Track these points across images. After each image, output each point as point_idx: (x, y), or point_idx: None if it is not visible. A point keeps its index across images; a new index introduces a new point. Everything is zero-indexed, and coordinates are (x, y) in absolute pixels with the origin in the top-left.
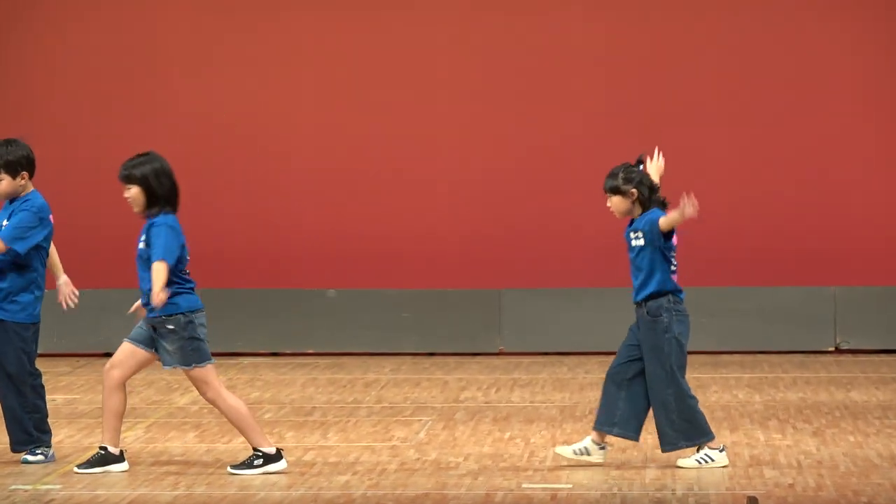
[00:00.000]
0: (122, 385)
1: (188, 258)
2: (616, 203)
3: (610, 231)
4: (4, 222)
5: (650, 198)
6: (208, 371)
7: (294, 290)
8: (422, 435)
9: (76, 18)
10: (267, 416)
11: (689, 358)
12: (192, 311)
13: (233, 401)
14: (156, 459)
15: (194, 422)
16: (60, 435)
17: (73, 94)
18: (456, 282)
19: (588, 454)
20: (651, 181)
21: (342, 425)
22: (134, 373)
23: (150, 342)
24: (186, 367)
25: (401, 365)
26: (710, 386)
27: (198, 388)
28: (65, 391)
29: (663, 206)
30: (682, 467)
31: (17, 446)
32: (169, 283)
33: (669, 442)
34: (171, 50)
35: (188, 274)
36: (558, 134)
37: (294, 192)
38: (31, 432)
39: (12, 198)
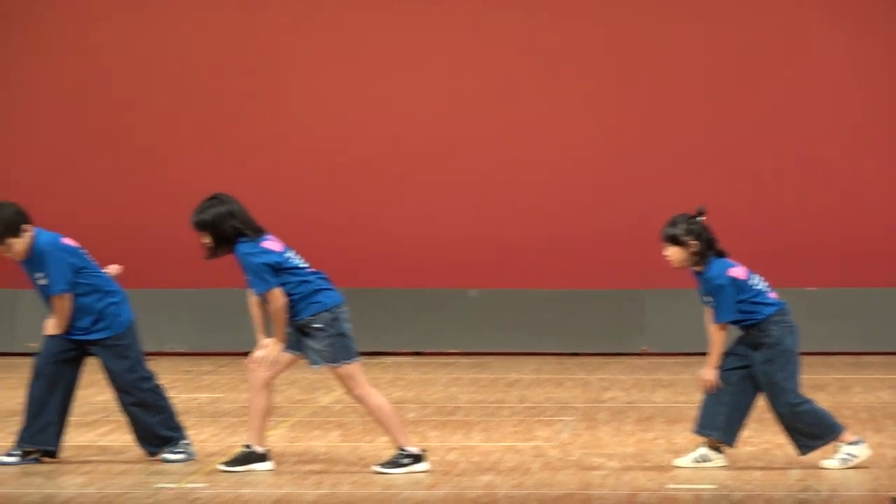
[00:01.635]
0: (268, 384)
1: (295, 260)
2: (673, 253)
3: (753, 232)
4: (39, 275)
5: (707, 252)
6: (355, 368)
7: (437, 289)
8: (564, 435)
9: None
10: (410, 415)
11: (832, 359)
12: (336, 307)
13: (378, 399)
14: (300, 458)
15: (338, 421)
16: (205, 434)
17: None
18: (599, 282)
19: (708, 460)
20: (710, 234)
21: (485, 425)
22: (279, 373)
23: (295, 344)
24: (334, 365)
25: (543, 365)
26: (853, 387)
27: (344, 386)
28: (208, 390)
29: (721, 255)
30: (825, 468)
31: (153, 450)
32: (303, 287)
33: (803, 445)
34: (277, 59)
35: (310, 268)
36: (688, 138)
37: (437, 192)
38: (162, 434)
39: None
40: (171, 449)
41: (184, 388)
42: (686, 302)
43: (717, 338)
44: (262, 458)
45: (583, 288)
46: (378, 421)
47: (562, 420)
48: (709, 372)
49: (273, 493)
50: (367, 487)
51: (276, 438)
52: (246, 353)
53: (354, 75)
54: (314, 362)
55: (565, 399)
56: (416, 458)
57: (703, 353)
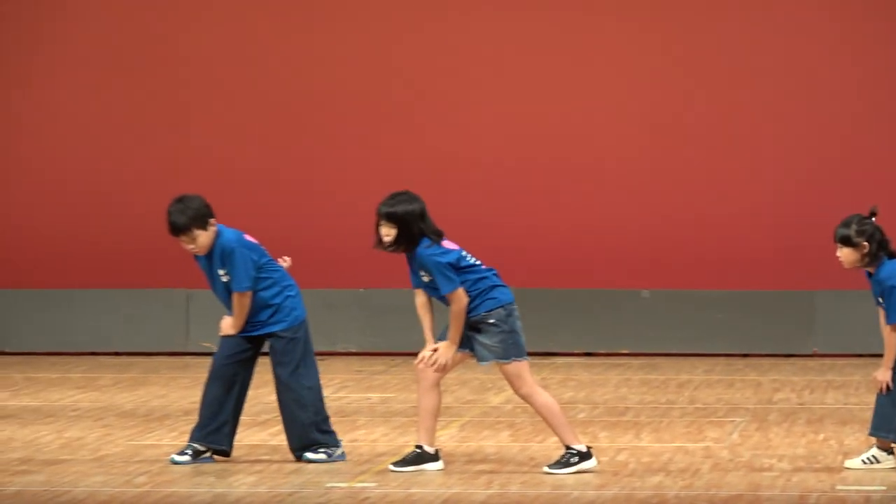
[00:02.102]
0: (438, 384)
1: (470, 258)
2: (846, 254)
3: None
4: (221, 272)
5: (878, 252)
6: (524, 366)
7: (608, 290)
8: (735, 436)
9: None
10: (580, 415)
11: None
12: (509, 304)
13: (545, 397)
14: (470, 458)
15: (508, 421)
16: (376, 433)
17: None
18: (769, 283)
19: (878, 462)
20: (882, 235)
21: (655, 425)
22: (447, 373)
23: (465, 342)
24: (504, 361)
25: (714, 366)
26: None
27: (512, 384)
28: (380, 390)
29: (893, 256)
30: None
31: (298, 452)
32: (480, 283)
33: None
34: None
35: (483, 265)
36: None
37: (610, 194)
38: (314, 437)
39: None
40: (317, 450)
41: (355, 387)
42: (856, 302)
43: (892, 340)
44: (432, 458)
45: (753, 289)
46: (544, 419)
47: (732, 421)
48: (883, 373)
49: (443, 492)
50: (537, 488)
51: (447, 438)
52: (416, 354)
53: (515, 81)
54: (484, 359)
55: (736, 400)
56: (584, 456)
57: (876, 355)
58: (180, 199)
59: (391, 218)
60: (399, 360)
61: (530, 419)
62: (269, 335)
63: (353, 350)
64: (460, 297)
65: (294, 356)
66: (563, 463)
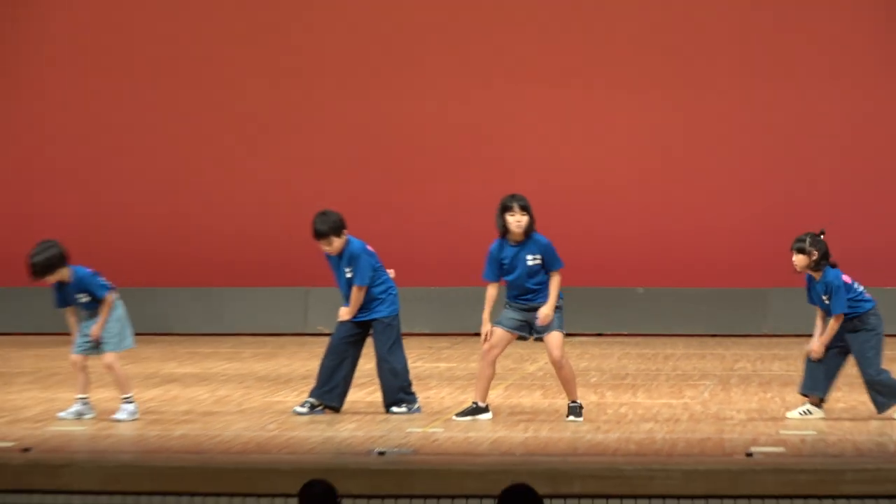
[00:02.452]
0: (495, 360)
1: None
2: (799, 260)
3: None
4: (347, 270)
5: (821, 261)
6: (562, 336)
7: (613, 288)
8: (706, 394)
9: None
10: (592, 379)
11: None
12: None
13: (569, 363)
14: (511, 411)
15: (540, 384)
16: (443, 393)
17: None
18: (734, 283)
19: (811, 414)
20: (826, 249)
21: (647, 387)
22: (503, 351)
23: (518, 327)
24: (561, 331)
25: (690, 343)
26: None
27: (554, 349)
28: (446, 361)
29: (832, 265)
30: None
31: (389, 406)
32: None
33: (880, 404)
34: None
35: None
36: None
37: (615, 212)
38: (399, 397)
39: (341, 251)
40: (400, 405)
41: (428, 359)
42: (798, 297)
43: (835, 325)
44: (484, 410)
45: (721, 287)
46: (564, 379)
47: (704, 384)
48: (818, 346)
49: (491, 435)
50: (561, 432)
51: (494, 396)
52: (474, 334)
53: (555, 120)
54: (539, 332)
55: (707, 369)
56: (580, 408)
57: (808, 335)
58: (324, 213)
59: (525, 208)
60: (460, 339)
61: (557, 383)
62: (374, 320)
63: (426, 331)
64: (561, 275)
65: (390, 337)
66: (576, 411)
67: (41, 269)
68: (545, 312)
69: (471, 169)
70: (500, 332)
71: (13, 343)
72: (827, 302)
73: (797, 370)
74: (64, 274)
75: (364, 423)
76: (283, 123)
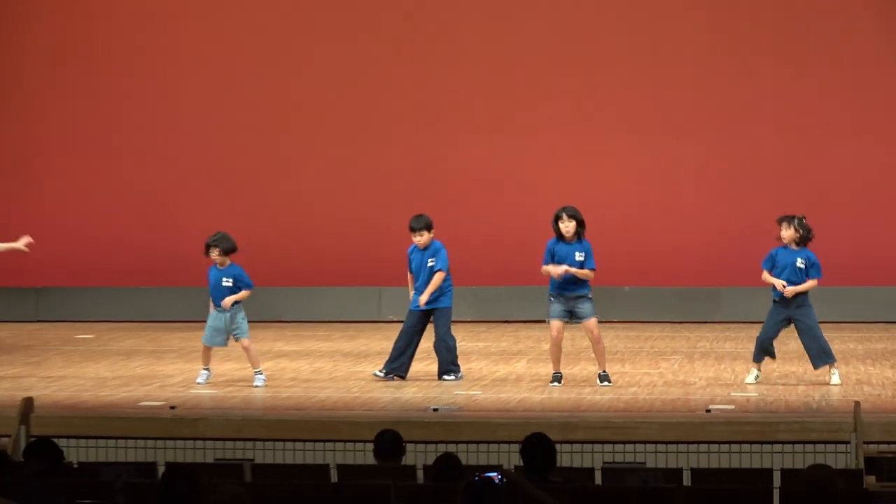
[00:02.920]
0: (561, 342)
1: None
2: (789, 233)
3: None
4: (430, 260)
5: (801, 239)
6: (596, 320)
7: (606, 286)
8: (675, 366)
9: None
10: (591, 355)
11: None
12: None
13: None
14: (532, 378)
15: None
16: (480, 364)
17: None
18: (699, 282)
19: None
20: (808, 231)
21: (632, 361)
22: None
23: (566, 315)
24: (595, 316)
25: (664, 329)
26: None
27: (597, 333)
28: (483, 341)
29: (805, 245)
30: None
31: (442, 375)
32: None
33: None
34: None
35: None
36: None
37: (609, 223)
38: (449, 367)
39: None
40: (449, 374)
41: (470, 340)
42: (745, 293)
43: (813, 285)
44: (556, 379)
45: (686, 286)
46: (598, 352)
47: (674, 358)
48: (791, 288)
49: (517, 396)
50: (568, 394)
51: (519, 367)
52: (502, 321)
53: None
54: (585, 316)
55: (676, 346)
56: (608, 376)
57: (752, 322)
58: (420, 215)
59: (574, 216)
60: (493, 325)
61: (565, 356)
62: (435, 309)
63: (469, 319)
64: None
65: (447, 322)
66: (605, 378)
67: (227, 248)
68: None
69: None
70: (557, 323)
71: (164, 328)
72: (803, 268)
73: (744, 349)
74: (227, 261)
75: (423, 387)
76: (375, 147)
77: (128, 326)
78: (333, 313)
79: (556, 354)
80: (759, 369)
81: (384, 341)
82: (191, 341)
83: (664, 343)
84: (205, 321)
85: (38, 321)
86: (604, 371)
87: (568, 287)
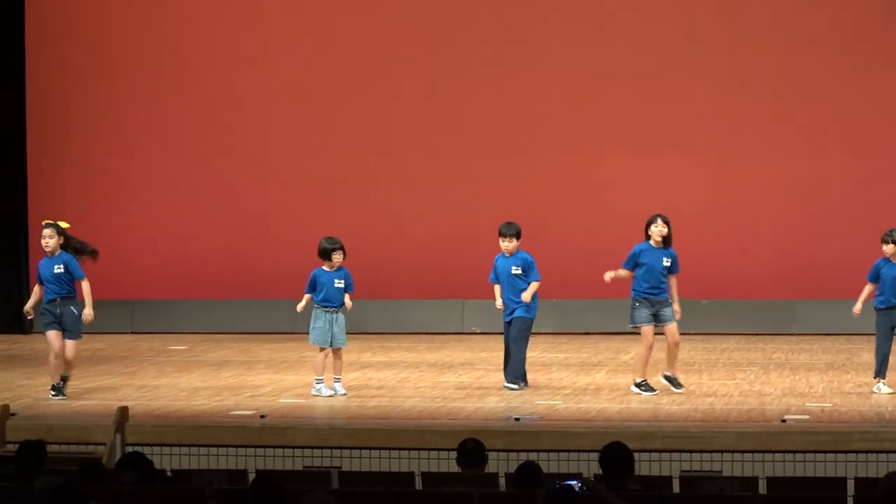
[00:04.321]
0: (652, 347)
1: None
2: (889, 249)
3: None
4: (516, 268)
5: None
6: (677, 325)
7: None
8: (751, 377)
9: None
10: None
11: None
12: None
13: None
14: (611, 388)
15: (632, 369)
16: (561, 375)
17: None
18: (774, 295)
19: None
20: None
21: (709, 372)
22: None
23: (653, 320)
24: (676, 321)
25: (741, 340)
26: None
27: (675, 335)
28: (564, 352)
29: None
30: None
31: (510, 383)
32: None
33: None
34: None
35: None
36: None
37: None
38: (517, 375)
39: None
40: (517, 382)
41: (551, 351)
42: (822, 306)
43: None
44: (650, 388)
45: (760, 298)
46: (674, 356)
47: (750, 369)
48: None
49: (596, 406)
50: (646, 403)
51: (598, 378)
52: (582, 333)
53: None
54: (669, 320)
55: (752, 358)
56: (645, 387)
57: (826, 334)
58: (511, 222)
59: (667, 222)
60: (573, 336)
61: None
62: (518, 317)
63: (550, 330)
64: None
65: (524, 330)
66: (674, 381)
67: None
68: (676, 308)
69: (587, 208)
70: (647, 328)
71: (254, 339)
72: None
73: (818, 360)
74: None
75: (505, 397)
76: (461, 161)
77: (219, 338)
78: (418, 325)
79: (647, 358)
80: (885, 382)
81: (468, 352)
82: (280, 352)
83: (740, 354)
84: (292, 332)
85: (133, 333)
86: (674, 375)
87: (653, 291)
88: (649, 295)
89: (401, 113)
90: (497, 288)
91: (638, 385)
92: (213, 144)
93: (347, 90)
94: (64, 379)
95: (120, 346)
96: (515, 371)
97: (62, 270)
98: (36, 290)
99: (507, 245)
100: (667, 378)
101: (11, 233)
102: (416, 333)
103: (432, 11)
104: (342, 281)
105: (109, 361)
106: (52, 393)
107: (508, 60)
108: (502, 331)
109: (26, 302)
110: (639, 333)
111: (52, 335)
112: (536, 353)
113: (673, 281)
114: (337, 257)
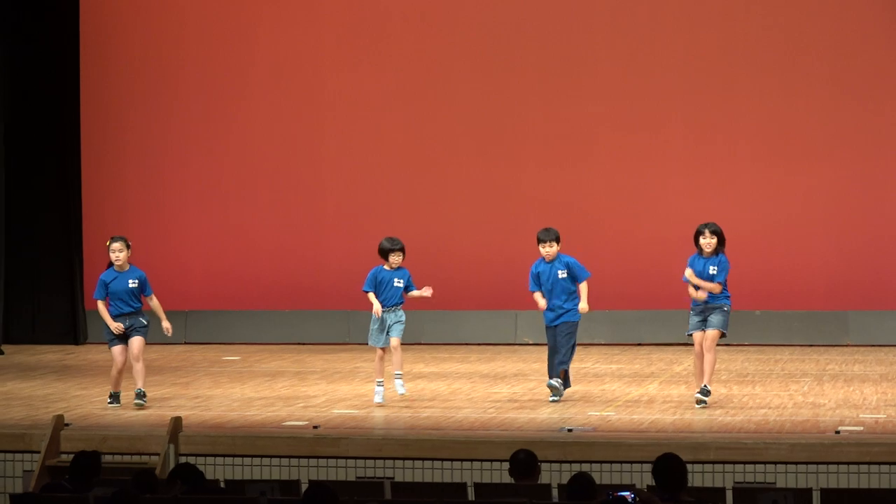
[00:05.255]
0: (702, 355)
1: None
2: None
3: None
4: (562, 272)
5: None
6: (719, 334)
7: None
8: (805, 388)
9: None
10: (722, 377)
11: None
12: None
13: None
14: (664, 400)
15: (685, 380)
16: (614, 386)
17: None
18: (829, 306)
19: None
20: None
21: (763, 384)
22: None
23: (702, 325)
24: (719, 329)
25: (794, 351)
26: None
27: (709, 344)
28: (617, 363)
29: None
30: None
31: (551, 380)
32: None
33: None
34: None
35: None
36: None
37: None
38: (565, 379)
39: (555, 257)
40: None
41: (604, 362)
42: (875, 317)
43: None
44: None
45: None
46: (709, 364)
47: (804, 380)
48: None
49: (649, 417)
50: (700, 414)
51: (651, 389)
52: (634, 345)
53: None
54: (712, 326)
55: (805, 369)
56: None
57: (879, 345)
58: (548, 228)
59: (716, 232)
60: (627, 347)
61: (697, 379)
62: (565, 322)
63: (603, 342)
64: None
65: (572, 333)
66: (705, 392)
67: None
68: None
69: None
70: (697, 335)
71: (308, 350)
72: None
73: (872, 371)
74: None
75: (557, 408)
76: (511, 174)
77: (273, 348)
78: (471, 336)
79: (700, 367)
80: None
81: (520, 363)
82: (334, 363)
83: (794, 366)
84: (345, 342)
85: (186, 343)
86: (707, 386)
87: (706, 298)
88: (700, 302)
89: (453, 124)
90: (537, 295)
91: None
92: (267, 156)
93: (399, 103)
94: (141, 395)
95: (173, 356)
96: (556, 368)
97: (136, 285)
98: (102, 307)
99: (548, 250)
100: (705, 392)
101: (66, 245)
102: (468, 344)
103: (481, 23)
104: (402, 280)
105: (162, 372)
106: (109, 401)
107: (559, 70)
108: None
109: (81, 313)
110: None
111: (117, 350)
112: (589, 363)
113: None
114: (393, 258)
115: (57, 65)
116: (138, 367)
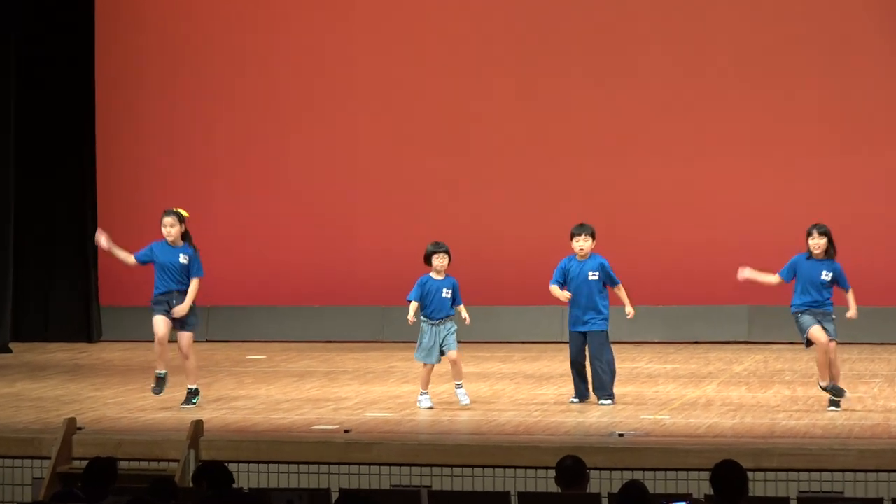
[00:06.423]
0: (827, 354)
1: None
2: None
3: None
4: (592, 273)
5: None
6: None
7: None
8: (875, 390)
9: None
10: (787, 378)
11: None
12: None
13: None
14: (722, 402)
15: (745, 381)
16: (668, 387)
17: None
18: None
19: None
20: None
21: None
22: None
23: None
24: (834, 340)
25: (853, 350)
26: None
27: (834, 356)
28: (672, 363)
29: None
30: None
31: (596, 393)
32: None
33: None
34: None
35: None
36: None
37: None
38: (609, 390)
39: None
40: (605, 397)
41: (657, 361)
42: None
43: None
44: (836, 392)
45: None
46: (836, 367)
47: (874, 381)
48: None
49: (706, 421)
50: (762, 418)
51: (709, 391)
52: (690, 343)
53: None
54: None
55: (876, 370)
56: (838, 393)
57: None
58: (583, 223)
59: (825, 233)
60: (682, 346)
61: (759, 380)
62: (592, 331)
63: (656, 340)
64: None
65: (605, 343)
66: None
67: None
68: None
69: (694, 213)
70: (817, 328)
71: (338, 349)
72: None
73: None
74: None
75: (607, 411)
76: (556, 168)
77: (300, 347)
78: (514, 333)
79: (825, 362)
80: None
81: (567, 363)
82: (366, 362)
83: (863, 365)
84: (377, 340)
85: (208, 341)
86: (832, 384)
87: (816, 304)
88: (812, 306)
89: (494, 117)
90: (554, 288)
91: (823, 389)
92: (293, 148)
93: (437, 94)
94: (193, 392)
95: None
96: (606, 383)
97: (187, 261)
98: (128, 255)
99: (583, 245)
100: (823, 389)
101: (80, 241)
102: (511, 342)
103: (522, 11)
104: (449, 290)
105: (182, 371)
106: (153, 386)
107: (601, 62)
108: (586, 341)
109: (95, 309)
110: (806, 345)
111: (158, 321)
112: (642, 363)
113: (849, 296)
114: (437, 261)
115: (72, 55)
116: (188, 365)
